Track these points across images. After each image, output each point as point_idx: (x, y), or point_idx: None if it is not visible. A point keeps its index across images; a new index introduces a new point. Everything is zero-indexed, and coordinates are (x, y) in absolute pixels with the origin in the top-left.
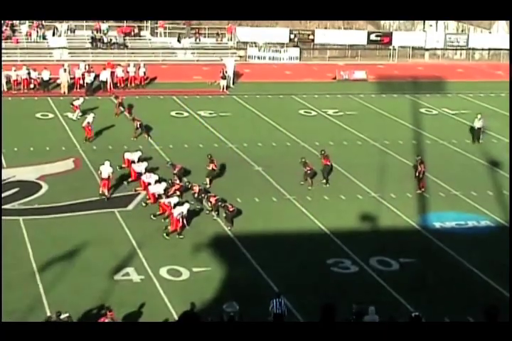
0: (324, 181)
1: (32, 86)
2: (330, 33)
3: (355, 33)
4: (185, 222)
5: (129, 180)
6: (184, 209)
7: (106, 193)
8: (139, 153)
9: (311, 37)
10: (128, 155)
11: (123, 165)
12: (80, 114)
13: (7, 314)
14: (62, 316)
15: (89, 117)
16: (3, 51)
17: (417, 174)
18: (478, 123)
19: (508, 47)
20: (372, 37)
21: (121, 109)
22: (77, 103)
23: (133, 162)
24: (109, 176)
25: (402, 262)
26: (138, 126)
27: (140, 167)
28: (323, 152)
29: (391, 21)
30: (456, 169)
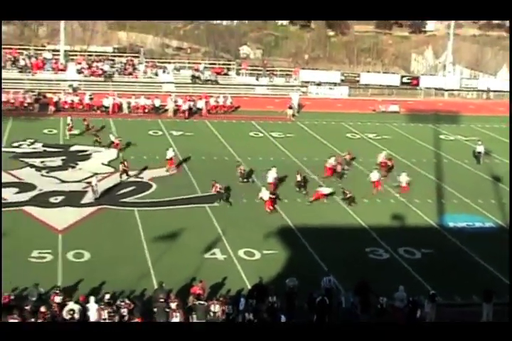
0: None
1: (146, 110)
2: (371, 76)
3: (391, 76)
4: None
5: None
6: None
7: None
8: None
9: (357, 78)
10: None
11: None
12: None
13: (121, 281)
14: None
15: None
16: (127, 84)
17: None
18: (479, 148)
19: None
20: (404, 79)
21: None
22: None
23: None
24: (171, 158)
25: (424, 252)
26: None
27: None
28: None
29: (419, 67)
30: (467, 182)
